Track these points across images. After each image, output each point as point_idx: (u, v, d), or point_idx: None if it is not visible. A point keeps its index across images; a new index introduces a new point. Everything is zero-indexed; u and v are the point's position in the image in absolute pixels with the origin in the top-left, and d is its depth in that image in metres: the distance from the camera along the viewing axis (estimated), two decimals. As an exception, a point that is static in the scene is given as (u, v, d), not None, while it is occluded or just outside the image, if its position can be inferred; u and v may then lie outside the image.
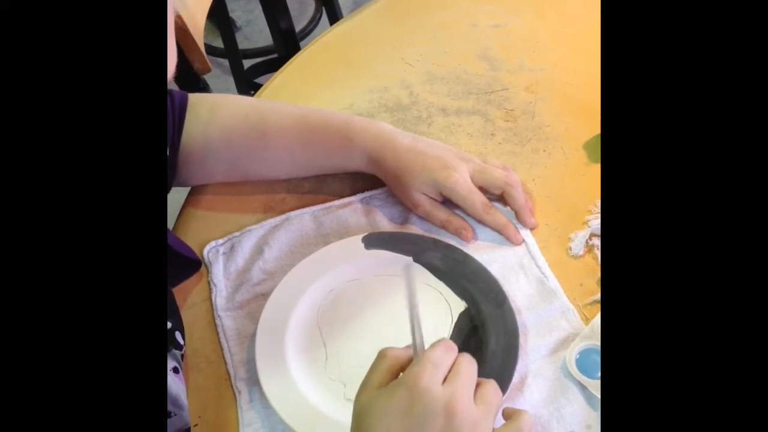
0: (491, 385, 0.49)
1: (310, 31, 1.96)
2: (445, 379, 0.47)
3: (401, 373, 0.48)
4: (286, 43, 1.38)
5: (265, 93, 0.84)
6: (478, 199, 0.65)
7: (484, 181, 0.66)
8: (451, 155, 0.67)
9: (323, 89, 0.83)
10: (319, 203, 0.71)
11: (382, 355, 0.50)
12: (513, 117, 0.77)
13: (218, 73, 2.21)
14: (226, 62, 1.59)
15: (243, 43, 1.98)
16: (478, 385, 0.48)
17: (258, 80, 1.48)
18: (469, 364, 0.49)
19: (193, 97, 0.71)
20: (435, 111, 0.79)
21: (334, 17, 1.58)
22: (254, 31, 2.16)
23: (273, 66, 1.46)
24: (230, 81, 1.63)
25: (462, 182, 0.65)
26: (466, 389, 0.47)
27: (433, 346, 0.49)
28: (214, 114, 0.70)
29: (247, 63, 1.64)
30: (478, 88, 0.81)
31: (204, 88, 1.03)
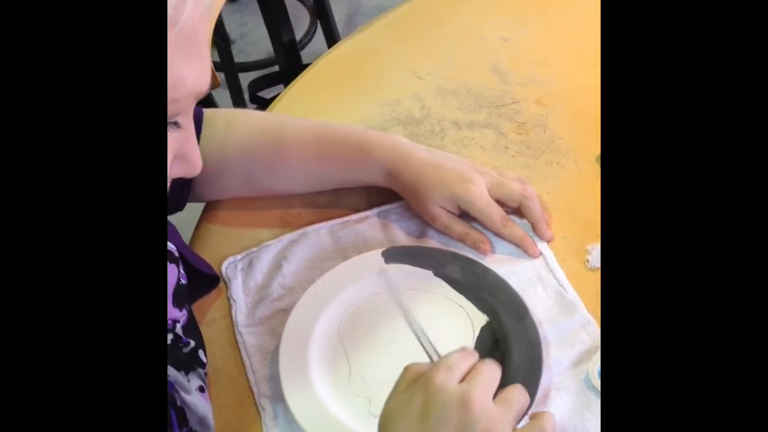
0: (516, 388, 0.50)
1: (306, 43, 1.97)
2: (463, 380, 0.48)
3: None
4: (288, 56, 1.38)
5: (275, 109, 0.84)
6: (495, 212, 0.66)
7: (500, 194, 0.67)
8: (467, 168, 0.67)
9: (334, 104, 0.83)
10: (335, 218, 0.71)
11: (406, 369, 0.51)
12: (525, 130, 0.78)
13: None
14: (221, 75, 1.60)
15: (238, 56, 1.98)
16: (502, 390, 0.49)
17: (262, 93, 1.48)
18: (490, 366, 0.50)
19: (209, 113, 0.71)
20: (447, 124, 0.79)
21: (329, 30, 1.59)
22: (248, 44, 2.16)
23: (276, 79, 1.47)
24: (226, 94, 1.65)
25: (479, 195, 0.65)
26: (483, 388, 0.48)
27: (451, 352, 0.51)
28: (230, 129, 0.70)
29: (242, 76, 1.67)
30: (489, 101, 0.82)
31: (212, 102, 1.03)
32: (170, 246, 0.58)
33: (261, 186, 0.72)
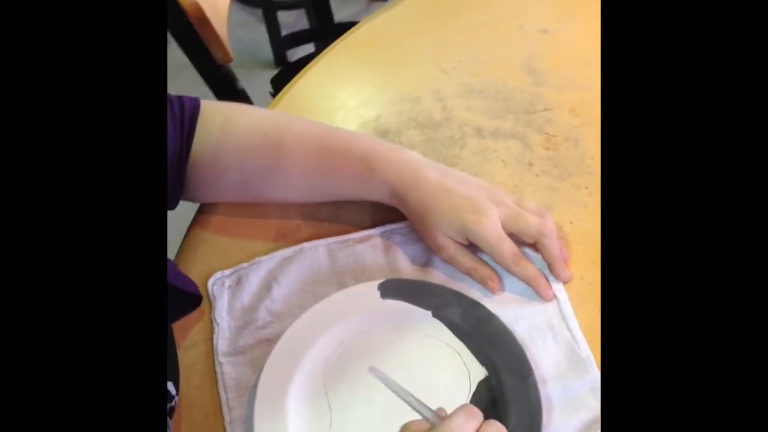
0: None
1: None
2: None
3: None
4: (318, 13, 1.31)
5: (286, 97, 0.77)
6: (507, 249, 0.59)
7: (516, 228, 0.60)
8: (481, 196, 0.60)
9: (350, 95, 0.77)
10: (335, 233, 0.65)
11: (404, 428, 0.48)
12: (554, 144, 0.70)
13: (252, 20, 2.16)
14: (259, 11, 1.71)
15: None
16: None
17: (291, 52, 1.43)
18: (497, 430, 0.45)
19: (206, 108, 0.65)
20: (469, 131, 0.72)
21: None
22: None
23: (306, 38, 1.40)
24: (262, 30, 1.76)
25: (491, 229, 0.59)
26: None
27: (455, 411, 0.47)
28: (227, 130, 0.64)
29: (280, 14, 1.79)
30: (518, 105, 0.74)
31: (227, 74, 0.97)
32: None
33: (257, 194, 0.66)
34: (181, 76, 1.17)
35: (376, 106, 0.75)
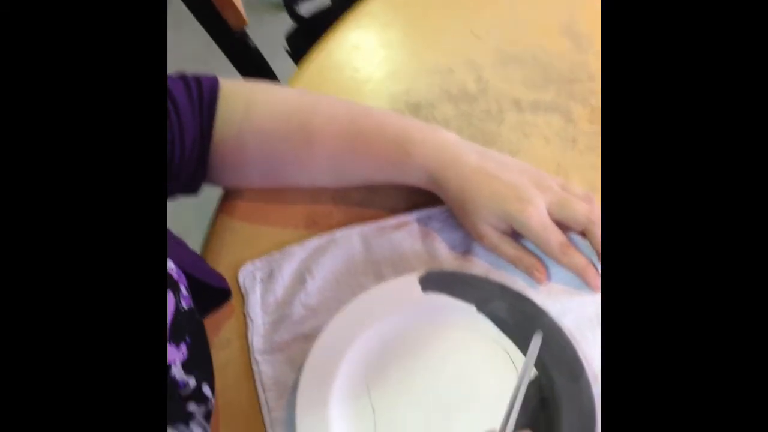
0: None
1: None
2: None
3: None
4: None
5: (310, 69, 0.73)
6: (554, 238, 0.56)
7: (563, 216, 0.56)
8: (525, 182, 0.57)
9: (377, 67, 0.72)
10: (369, 219, 0.62)
11: None
12: (599, 118, 0.66)
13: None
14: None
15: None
16: None
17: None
18: None
19: (226, 88, 0.61)
20: (507, 104, 0.68)
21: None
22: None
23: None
24: None
25: (537, 218, 0.55)
26: None
27: None
28: (250, 112, 0.60)
29: None
30: (559, 74, 0.69)
31: (241, 38, 0.92)
32: (169, 265, 0.50)
33: (285, 180, 0.63)
34: (182, 28, 1.11)
35: (405, 79, 0.71)
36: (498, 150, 0.64)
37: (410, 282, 0.56)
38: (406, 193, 0.62)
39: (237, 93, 0.61)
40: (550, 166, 0.63)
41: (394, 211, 0.62)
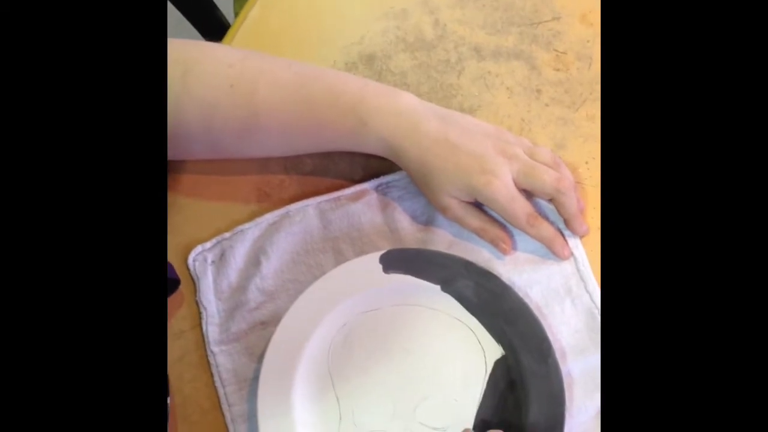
0: None
1: None
2: None
3: None
4: None
5: (248, 21, 0.66)
6: (521, 209, 0.53)
7: (530, 185, 0.53)
8: (490, 150, 0.53)
9: (322, 15, 0.66)
10: (324, 189, 0.58)
11: None
12: (565, 64, 0.62)
13: None
14: None
15: None
16: None
17: None
18: None
19: (160, 52, 0.55)
20: (467, 52, 0.63)
21: None
22: None
23: None
24: None
25: (503, 189, 0.52)
26: None
27: None
28: (188, 82, 0.54)
29: None
30: (521, 16, 0.64)
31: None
32: None
33: (232, 153, 0.58)
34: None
35: (357, 25, 0.65)
36: (459, 105, 0.61)
37: (371, 263, 0.54)
38: (363, 159, 0.58)
39: (173, 58, 0.55)
40: (514, 121, 0.60)
41: (350, 179, 0.59)
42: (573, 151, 0.58)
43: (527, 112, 0.60)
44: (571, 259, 0.55)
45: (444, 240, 0.56)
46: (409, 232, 0.56)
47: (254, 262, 0.56)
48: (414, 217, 0.57)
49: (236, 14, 0.88)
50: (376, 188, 0.58)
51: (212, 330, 0.54)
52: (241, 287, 0.55)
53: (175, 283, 0.55)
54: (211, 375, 0.53)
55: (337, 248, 0.56)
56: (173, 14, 0.87)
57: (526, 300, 0.52)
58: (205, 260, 0.56)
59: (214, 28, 0.95)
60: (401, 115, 0.54)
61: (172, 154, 0.59)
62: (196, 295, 0.55)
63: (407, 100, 0.54)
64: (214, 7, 0.95)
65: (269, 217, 0.57)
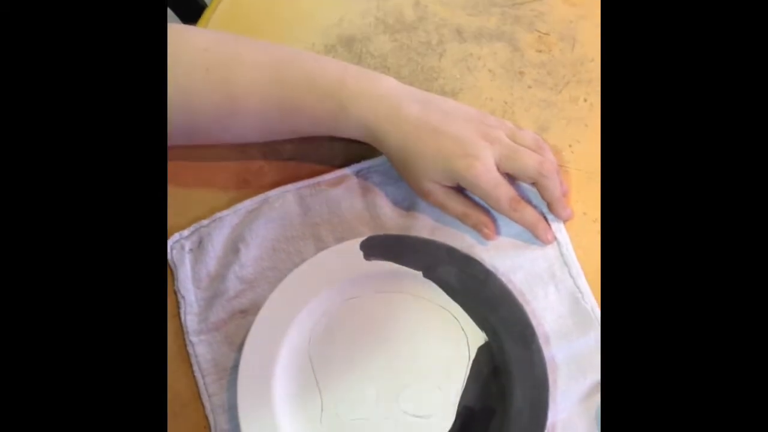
0: None
1: None
2: None
3: None
4: None
5: (224, 2, 0.64)
6: (504, 194, 0.52)
7: (512, 169, 0.53)
8: (472, 134, 0.52)
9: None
10: (304, 175, 0.57)
11: None
12: (548, 45, 0.61)
13: None
14: None
15: None
16: None
17: None
18: None
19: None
20: (448, 34, 0.62)
21: None
22: None
23: None
24: None
25: (485, 174, 0.51)
26: None
27: None
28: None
29: None
30: (503, -4, 0.63)
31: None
32: None
33: (209, 139, 0.57)
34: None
35: (336, 6, 0.63)
36: (440, 89, 0.60)
37: (352, 249, 0.53)
38: (343, 143, 0.57)
39: None
40: (497, 104, 0.59)
41: (331, 164, 0.58)
42: (556, 134, 0.58)
43: (510, 94, 0.59)
44: (555, 243, 0.54)
45: (426, 226, 0.55)
46: (391, 218, 0.56)
47: (233, 249, 0.55)
48: (395, 203, 0.56)
49: (214, -4, 0.86)
50: (357, 173, 0.57)
51: (191, 319, 0.53)
52: (220, 275, 0.54)
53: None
54: (191, 365, 0.52)
55: (317, 235, 0.55)
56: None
57: (509, 285, 0.52)
58: (183, 248, 0.55)
59: (190, 9, 0.93)
60: (382, 99, 0.53)
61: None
62: (173, 284, 0.54)
63: (388, 83, 0.53)
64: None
65: (248, 204, 0.56)
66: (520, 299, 0.51)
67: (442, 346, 0.51)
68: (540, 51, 0.61)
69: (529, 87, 0.59)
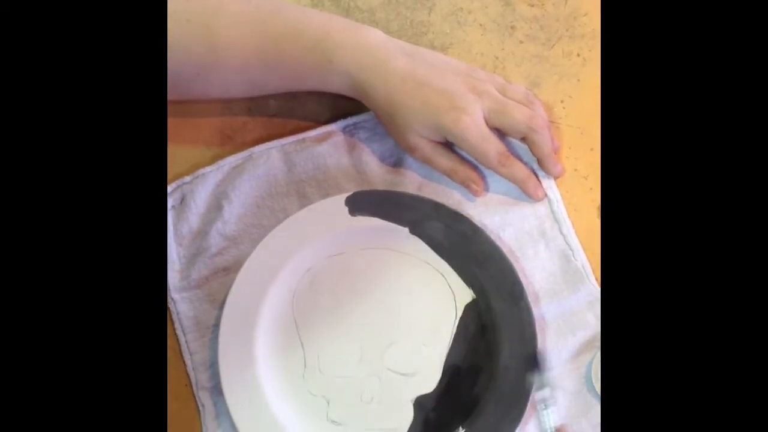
0: None
1: None
2: None
3: None
4: None
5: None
6: (492, 149, 0.51)
7: (501, 123, 0.51)
8: (460, 87, 0.51)
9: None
10: (290, 131, 0.56)
11: None
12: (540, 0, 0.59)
13: None
14: None
15: None
16: None
17: None
18: None
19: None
20: (438, -14, 0.60)
21: None
22: None
23: None
24: None
25: (473, 128, 0.50)
26: None
27: None
28: (142, 17, 0.51)
29: None
30: (495, -52, 0.61)
31: None
32: None
33: (191, 93, 0.55)
34: None
35: (324, -42, 0.62)
36: (430, 44, 0.58)
37: (337, 205, 0.51)
38: (330, 99, 0.56)
39: None
40: (487, 59, 0.57)
41: (317, 119, 0.56)
42: (548, 90, 0.56)
43: (501, 49, 0.58)
44: (546, 200, 0.53)
45: (413, 182, 0.54)
46: (377, 174, 0.54)
47: (216, 206, 0.54)
48: (382, 159, 0.55)
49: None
50: (343, 129, 0.56)
51: (173, 276, 0.52)
52: (203, 232, 0.53)
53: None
54: (172, 322, 0.51)
55: (302, 191, 0.54)
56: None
57: (498, 243, 0.50)
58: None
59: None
60: (368, 51, 0.51)
61: (129, 95, 0.56)
62: (155, 241, 0.53)
63: (374, 35, 0.52)
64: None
65: (232, 160, 0.55)
66: (510, 257, 0.50)
67: (428, 304, 0.50)
68: (532, 5, 0.59)
69: (521, 42, 0.58)
